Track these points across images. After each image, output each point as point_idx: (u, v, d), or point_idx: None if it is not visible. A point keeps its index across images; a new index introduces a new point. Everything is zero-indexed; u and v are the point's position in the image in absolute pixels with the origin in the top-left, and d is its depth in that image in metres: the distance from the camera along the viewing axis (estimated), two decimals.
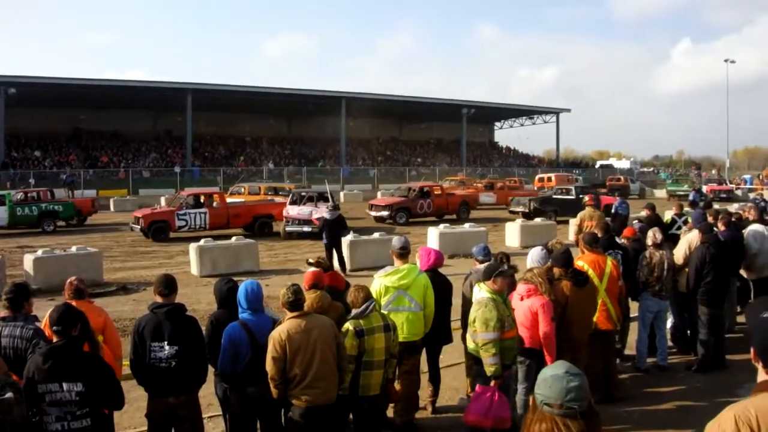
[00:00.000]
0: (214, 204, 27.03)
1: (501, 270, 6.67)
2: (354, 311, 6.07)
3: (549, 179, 50.52)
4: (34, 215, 28.89)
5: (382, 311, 6.48)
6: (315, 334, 5.51)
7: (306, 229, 25.14)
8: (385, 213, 31.10)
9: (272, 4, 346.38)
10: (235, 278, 6.67)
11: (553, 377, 2.81)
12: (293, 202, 27.63)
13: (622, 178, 58.60)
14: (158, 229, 25.32)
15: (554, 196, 34.10)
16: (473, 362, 6.86)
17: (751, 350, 2.85)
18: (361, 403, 6.10)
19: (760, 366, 2.80)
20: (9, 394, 4.04)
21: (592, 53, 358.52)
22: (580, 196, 31.91)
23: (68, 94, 57.08)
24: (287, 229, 25.92)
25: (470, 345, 6.71)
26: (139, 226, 25.50)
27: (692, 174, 73.60)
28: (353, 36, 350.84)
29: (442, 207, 33.14)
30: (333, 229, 17.98)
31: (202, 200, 27.02)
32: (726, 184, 56.39)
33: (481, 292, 6.59)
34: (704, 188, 50.23)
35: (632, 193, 50.87)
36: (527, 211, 31.71)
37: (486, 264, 7.14)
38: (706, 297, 9.21)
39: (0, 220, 28.12)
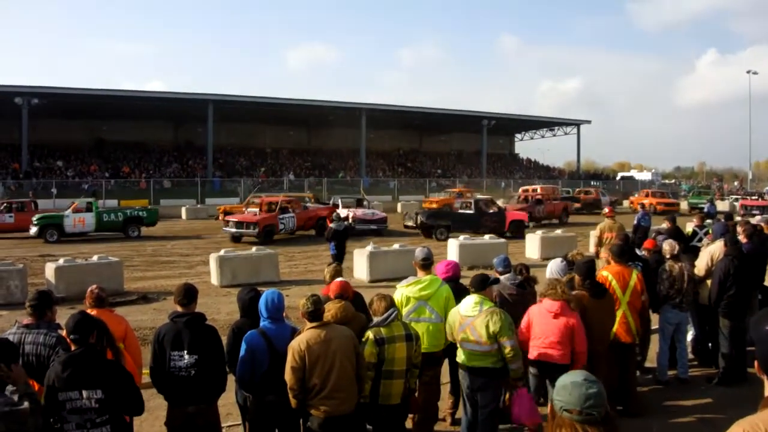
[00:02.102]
0: (297, 209, 30.71)
1: (492, 279, 6.89)
2: (375, 319, 6.08)
3: (534, 191, 46.96)
4: (120, 221, 30.75)
5: (403, 321, 6.46)
6: (334, 345, 5.51)
7: (373, 227, 31.34)
8: None
9: (294, 16, 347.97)
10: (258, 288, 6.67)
11: (572, 384, 2.82)
12: (345, 207, 33.29)
13: (593, 191, 54.27)
14: (269, 232, 27.88)
15: (452, 210, 32.32)
16: (473, 375, 6.70)
17: (755, 363, 2.82)
18: (381, 413, 6.08)
19: (765, 379, 2.78)
20: (25, 404, 4.06)
21: (615, 65, 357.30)
22: (488, 210, 30.76)
23: (91, 104, 57.48)
24: (357, 227, 30.24)
25: (489, 358, 6.57)
26: (251, 230, 27.58)
27: (714, 186, 73.15)
28: (374, 47, 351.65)
29: (550, 212, 38.65)
30: (340, 240, 18.26)
31: (286, 206, 30.19)
32: (764, 198, 52.62)
33: (484, 303, 6.58)
34: (738, 203, 49.07)
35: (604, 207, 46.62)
36: (415, 225, 30.44)
37: (476, 273, 7.12)
38: (728, 309, 9.15)
39: (88, 225, 29.68)
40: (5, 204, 31.68)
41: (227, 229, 28.75)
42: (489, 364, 6.55)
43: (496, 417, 6.71)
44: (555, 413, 2.85)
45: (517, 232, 28.56)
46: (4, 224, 30.44)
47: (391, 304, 6.14)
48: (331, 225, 18.91)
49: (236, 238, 28.13)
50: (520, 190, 49.29)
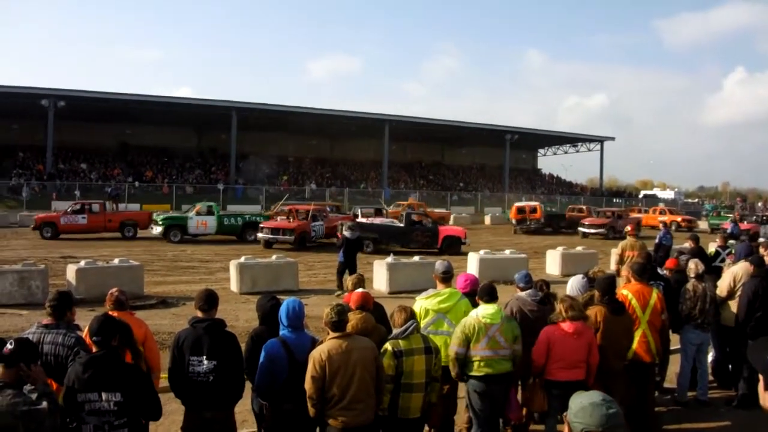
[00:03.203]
0: (326, 218, 32.19)
1: None
2: (395, 331, 6.07)
3: (533, 210, 43.36)
4: (239, 225, 32.51)
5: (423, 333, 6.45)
6: (355, 356, 5.49)
7: None
8: (602, 230, 38.83)
9: (319, 26, 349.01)
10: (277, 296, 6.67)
11: (592, 405, 2.83)
12: (364, 216, 33.59)
13: (584, 208, 48.98)
14: (303, 239, 29.00)
15: (378, 223, 31.42)
16: (496, 382, 6.79)
17: (763, 395, 2.75)
18: (400, 426, 6.05)
19: None
20: (44, 404, 4.08)
21: (642, 82, 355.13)
22: (419, 223, 29.63)
23: (116, 108, 58.05)
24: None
25: (509, 362, 6.79)
26: (288, 237, 28.60)
27: (737, 206, 72.59)
28: (398, 59, 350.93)
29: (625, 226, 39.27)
30: (351, 249, 18.05)
31: (316, 214, 31.30)
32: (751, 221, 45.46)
33: (501, 311, 6.84)
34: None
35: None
36: (339, 237, 28.81)
37: (483, 284, 7.20)
38: (754, 331, 9.04)
39: (209, 228, 31.62)
40: (78, 205, 32.74)
41: (261, 235, 29.56)
42: (510, 368, 6.76)
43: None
44: None
45: (451, 249, 27.52)
46: (77, 225, 31.54)
47: (411, 316, 6.12)
48: (344, 233, 18.70)
49: (269, 244, 29.01)
50: (514, 206, 45.48)
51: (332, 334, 5.56)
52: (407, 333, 5.98)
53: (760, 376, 2.82)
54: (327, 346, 5.49)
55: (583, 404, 2.88)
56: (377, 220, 32.17)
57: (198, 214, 31.89)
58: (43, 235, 30.68)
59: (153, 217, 33.10)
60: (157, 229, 31.16)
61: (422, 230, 29.22)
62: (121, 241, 29.93)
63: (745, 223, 41.75)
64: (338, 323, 5.57)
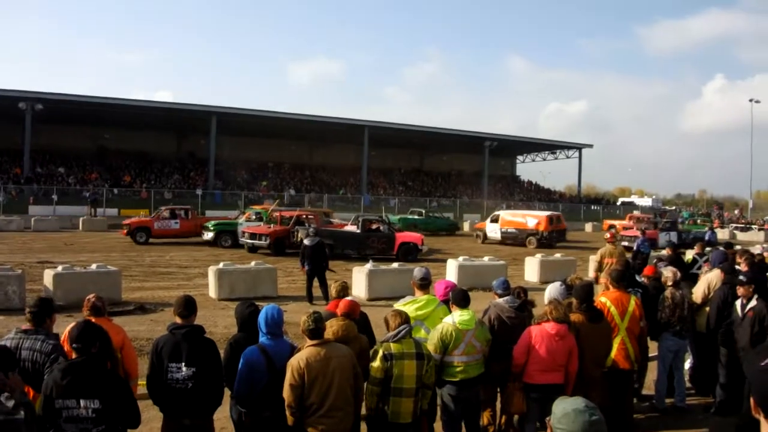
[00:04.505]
0: (316, 224, 30.18)
1: None
2: (386, 334, 6.10)
3: (558, 220, 38.86)
4: None
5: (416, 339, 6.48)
6: (334, 364, 5.49)
7: None
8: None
9: (300, 30, 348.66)
10: (256, 303, 6.66)
11: (574, 411, 2.87)
12: (353, 223, 31.07)
13: None
14: (280, 245, 28.74)
15: (333, 228, 30.84)
16: (472, 385, 6.88)
17: (750, 401, 2.76)
18: (392, 431, 6.07)
19: (761, 418, 2.73)
20: (21, 414, 4.05)
21: (622, 89, 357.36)
22: (375, 229, 29.43)
23: (94, 112, 57.70)
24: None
25: (483, 365, 6.94)
26: (264, 242, 28.81)
27: (713, 214, 73.12)
28: (380, 64, 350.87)
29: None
30: (313, 257, 17.36)
31: (302, 219, 30.85)
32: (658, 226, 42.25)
33: (474, 316, 6.89)
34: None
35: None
36: (296, 241, 27.48)
37: (458, 290, 7.26)
38: (725, 338, 9.11)
39: None
40: (169, 210, 33.86)
41: (243, 240, 29.95)
42: (483, 370, 6.88)
43: None
44: None
45: (407, 256, 27.49)
46: (170, 230, 32.96)
47: (405, 320, 6.16)
48: (304, 240, 18.07)
49: (253, 249, 29.16)
50: (535, 215, 38.74)
51: (310, 342, 5.56)
52: (399, 337, 6.01)
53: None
54: (305, 353, 5.49)
55: (566, 410, 2.92)
56: (339, 227, 31.63)
57: (248, 220, 32.74)
58: (137, 240, 31.96)
59: (204, 223, 33.83)
60: (208, 235, 31.94)
61: (378, 236, 29.03)
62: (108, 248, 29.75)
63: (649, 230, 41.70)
64: (315, 331, 5.58)
